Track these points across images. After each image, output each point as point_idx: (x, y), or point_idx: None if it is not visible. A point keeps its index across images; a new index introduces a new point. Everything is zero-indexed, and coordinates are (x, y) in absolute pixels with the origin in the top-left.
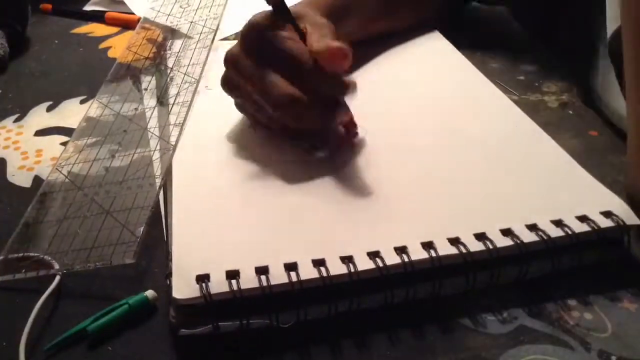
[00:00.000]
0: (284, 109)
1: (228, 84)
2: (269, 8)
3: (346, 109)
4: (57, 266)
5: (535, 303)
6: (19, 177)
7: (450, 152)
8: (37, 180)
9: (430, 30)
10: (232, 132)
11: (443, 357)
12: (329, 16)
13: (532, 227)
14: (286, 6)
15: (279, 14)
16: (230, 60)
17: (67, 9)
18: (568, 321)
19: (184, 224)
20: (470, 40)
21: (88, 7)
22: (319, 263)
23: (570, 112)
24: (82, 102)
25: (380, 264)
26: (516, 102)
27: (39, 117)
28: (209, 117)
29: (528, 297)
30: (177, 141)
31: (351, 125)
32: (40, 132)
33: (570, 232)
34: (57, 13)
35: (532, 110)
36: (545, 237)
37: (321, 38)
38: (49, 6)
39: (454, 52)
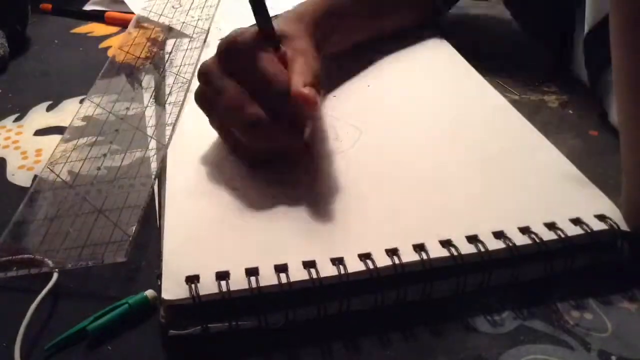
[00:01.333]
0: (247, 130)
1: (201, 99)
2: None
3: (310, 124)
4: (50, 264)
5: (535, 303)
6: (19, 176)
7: (444, 154)
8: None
9: (431, 32)
10: None
11: (442, 357)
12: (314, 33)
13: (525, 230)
14: (272, 27)
15: (264, 35)
16: (204, 74)
17: (67, 9)
18: (568, 321)
19: (175, 225)
20: (471, 40)
21: (88, 7)
22: (309, 265)
23: (570, 112)
24: (81, 101)
25: (371, 266)
26: (516, 102)
27: (38, 116)
28: (203, 118)
29: (528, 297)
30: (168, 141)
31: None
32: (40, 132)
33: (563, 235)
34: (57, 13)
35: (533, 110)
36: (537, 240)
37: (299, 74)
38: (49, 6)
39: (452, 52)
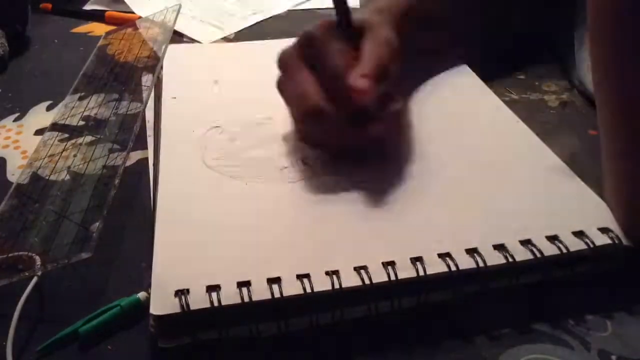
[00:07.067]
0: (311, 122)
1: (277, 85)
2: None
3: (380, 122)
4: (37, 261)
5: (534, 303)
6: (19, 176)
7: (445, 165)
8: None
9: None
10: (216, 145)
11: (442, 357)
12: (403, 25)
13: (526, 243)
14: (349, 15)
15: (341, 25)
16: (281, 61)
17: (67, 9)
18: (568, 321)
19: (166, 238)
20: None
21: (88, 7)
22: (303, 277)
23: (570, 111)
24: (80, 99)
25: (367, 281)
26: (516, 102)
27: (38, 116)
28: (185, 129)
29: (527, 298)
30: (129, 146)
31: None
32: (40, 132)
33: (564, 250)
34: (57, 12)
35: (533, 110)
36: (538, 255)
37: (362, 65)
38: (49, 5)
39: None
